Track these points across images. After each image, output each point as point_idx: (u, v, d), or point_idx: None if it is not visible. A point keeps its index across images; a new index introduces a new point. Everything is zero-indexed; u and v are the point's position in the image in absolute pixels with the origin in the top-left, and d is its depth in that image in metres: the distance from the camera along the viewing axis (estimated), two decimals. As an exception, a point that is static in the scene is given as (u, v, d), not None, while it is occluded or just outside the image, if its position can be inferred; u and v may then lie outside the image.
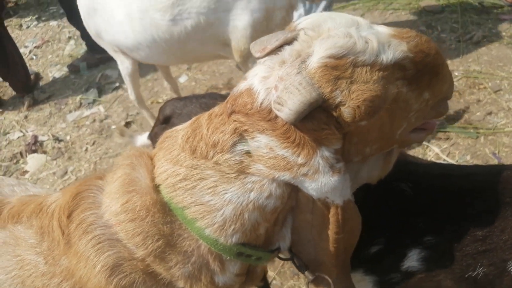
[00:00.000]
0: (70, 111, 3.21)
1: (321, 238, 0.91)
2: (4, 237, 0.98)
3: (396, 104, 0.83)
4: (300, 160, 0.79)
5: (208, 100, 1.52)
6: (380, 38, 0.80)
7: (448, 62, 3.00)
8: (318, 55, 0.76)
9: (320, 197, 0.83)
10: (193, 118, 0.94)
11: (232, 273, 0.94)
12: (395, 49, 0.79)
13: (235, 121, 0.82)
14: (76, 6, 2.24)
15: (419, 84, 0.84)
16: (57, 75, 3.62)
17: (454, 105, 2.69)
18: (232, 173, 0.83)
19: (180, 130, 0.94)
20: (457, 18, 3.34)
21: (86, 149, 2.88)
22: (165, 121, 1.57)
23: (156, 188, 0.89)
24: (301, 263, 0.97)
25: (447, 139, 2.51)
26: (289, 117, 0.75)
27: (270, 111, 0.79)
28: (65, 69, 3.66)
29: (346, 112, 0.77)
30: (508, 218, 0.99)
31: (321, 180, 0.80)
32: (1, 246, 0.98)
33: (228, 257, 0.90)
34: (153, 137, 1.59)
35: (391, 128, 0.87)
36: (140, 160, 0.94)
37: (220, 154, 0.83)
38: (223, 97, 1.52)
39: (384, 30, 0.83)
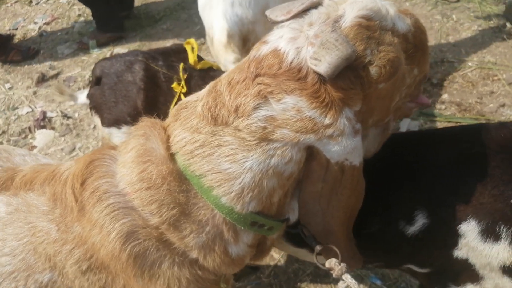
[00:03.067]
0: (79, 88, 3.20)
1: (330, 205, 0.91)
2: (16, 204, 0.98)
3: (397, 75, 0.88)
4: (327, 120, 0.80)
5: (131, 57, 1.56)
6: (394, 9, 0.87)
7: (463, 52, 2.95)
8: (352, 14, 0.81)
9: (340, 159, 0.84)
10: (208, 87, 0.93)
11: (245, 243, 0.94)
12: (404, 21, 0.88)
13: (260, 83, 0.82)
14: None
15: (412, 59, 0.92)
16: (66, 52, 3.60)
17: (467, 96, 2.66)
18: (253, 140, 0.82)
19: (196, 101, 0.93)
20: (473, 7, 3.28)
21: (95, 127, 2.88)
22: (97, 82, 1.61)
23: (172, 157, 0.89)
24: (309, 234, 0.97)
25: (459, 129, 2.49)
26: (327, 71, 0.77)
27: (300, 69, 0.80)
28: (74, 46, 3.64)
29: (373, 71, 0.81)
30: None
31: (345, 142, 0.82)
32: (13, 213, 0.98)
33: (242, 227, 0.90)
34: (90, 98, 1.64)
35: (390, 100, 0.92)
36: (154, 130, 0.93)
37: (241, 119, 0.82)
38: (144, 53, 1.55)
39: (391, 3, 0.89)
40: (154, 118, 0.99)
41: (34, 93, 3.27)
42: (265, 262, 1.98)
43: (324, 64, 0.77)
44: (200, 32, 3.54)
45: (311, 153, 0.85)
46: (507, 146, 0.98)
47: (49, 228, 0.95)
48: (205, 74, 1.51)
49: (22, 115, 3.07)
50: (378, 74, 0.81)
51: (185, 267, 0.93)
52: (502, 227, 0.93)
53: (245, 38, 1.87)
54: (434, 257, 1.07)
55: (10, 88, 3.37)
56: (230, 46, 1.78)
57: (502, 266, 0.96)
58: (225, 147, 0.84)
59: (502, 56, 2.88)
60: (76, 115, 2.98)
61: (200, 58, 1.55)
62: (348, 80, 0.80)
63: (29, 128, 2.93)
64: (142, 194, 0.87)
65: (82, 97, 1.74)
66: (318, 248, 0.96)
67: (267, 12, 0.90)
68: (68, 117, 2.98)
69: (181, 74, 1.48)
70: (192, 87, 1.48)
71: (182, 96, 1.45)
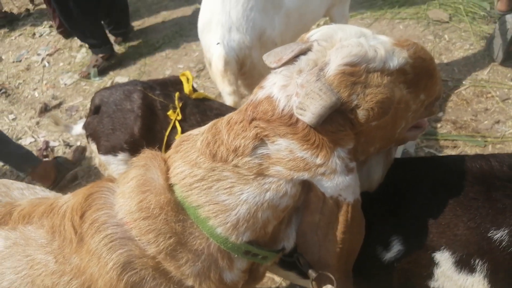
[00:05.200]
0: (81, 117, 3.26)
1: (327, 239, 0.94)
2: (15, 237, 1.01)
3: (398, 105, 0.90)
4: (319, 161, 0.84)
5: (130, 87, 1.59)
6: (386, 46, 0.87)
7: (456, 71, 3.00)
8: (336, 63, 0.83)
9: (334, 194, 0.88)
10: (210, 124, 0.97)
11: (239, 269, 0.97)
12: (399, 56, 0.87)
13: (256, 127, 0.87)
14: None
15: (417, 86, 0.92)
16: (68, 82, 3.68)
17: (462, 113, 2.69)
18: (250, 175, 0.87)
19: (197, 135, 0.97)
20: (465, 27, 3.35)
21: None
22: (95, 111, 1.63)
23: (170, 188, 0.93)
24: (305, 261, 0.99)
25: (455, 147, 2.51)
26: (311, 120, 0.81)
27: (291, 116, 0.85)
28: (76, 76, 3.73)
29: (361, 114, 0.84)
30: None
31: (337, 179, 0.86)
32: (12, 247, 1.00)
33: (236, 255, 0.92)
34: (86, 127, 1.65)
35: (393, 128, 0.94)
36: (154, 161, 0.97)
37: (240, 157, 0.87)
38: (143, 83, 1.60)
39: (386, 39, 0.90)
40: (155, 150, 1.02)
41: (37, 123, 3.34)
42: (267, 285, 1.98)
43: (308, 113, 0.81)
44: (198, 59, 3.62)
45: (308, 185, 0.89)
46: (483, 179, 0.99)
47: (47, 260, 0.97)
48: (200, 103, 1.56)
49: (25, 145, 3.12)
50: (367, 117, 0.84)
51: None
52: (477, 261, 0.94)
53: (241, 63, 1.93)
54: (409, 285, 1.08)
55: (13, 119, 3.44)
56: (226, 75, 1.83)
57: None
58: (224, 181, 0.88)
59: (495, 73, 2.92)
60: (78, 143, 3.03)
61: (194, 89, 1.60)
62: (336, 123, 0.84)
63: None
64: (140, 223, 0.90)
65: (78, 128, 1.77)
66: (313, 275, 0.98)
67: (264, 57, 0.94)
68: (70, 146, 3.03)
69: (176, 102, 1.53)
70: (187, 115, 1.52)
71: (177, 123, 1.49)
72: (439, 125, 2.65)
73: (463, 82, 2.90)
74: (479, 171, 1.00)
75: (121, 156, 1.55)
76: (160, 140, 1.50)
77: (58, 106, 3.46)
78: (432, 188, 1.03)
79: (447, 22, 3.43)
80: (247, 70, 1.89)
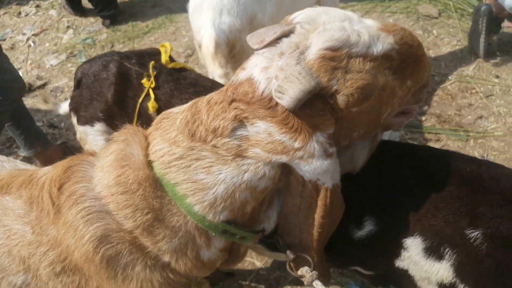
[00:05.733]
0: (66, 99, 3.21)
1: (307, 222, 0.94)
2: (-7, 206, 1.00)
3: (383, 91, 0.89)
4: (297, 144, 0.84)
5: (108, 57, 1.64)
6: (370, 31, 0.85)
7: (443, 66, 3.04)
8: (316, 47, 0.82)
9: (312, 178, 0.87)
10: (191, 103, 0.97)
11: (217, 248, 0.97)
12: (384, 41, 0.86)
13: (236, 108, 0.86)
14: None
15: (403, 73, 0.91)
16: (54, 62, 3.62)
17: (446, 108, 2.73)
18: (229, 156, 0.87)
19: (177, 113, 0.97)
20: (453, 23, 3.38)
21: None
22: (78, 85, 1.67)
23: (150, 164, 0.92)
24: (284, 243, 1.00)
25: (438, 140, 2.55)
26: (289, 104, 0.80)
27: (271, 99, 0.84)
28: (62, 57, 3.66)
29: (340, 99, 0.82)
30: None
31: (315, 163, 0.85)
32: (-11, 216, 0.99)
33: (214, 234, 0.92)
34: (70, 102, 1.71)
35: (377, 114, 0.93)
36: (135, 137, 0.96)
37: (219, 138, 0.86)
38: (120, 54, 1.63)
39: (372, 23, 0.89)
40: (136, 126, 1.01)
41: (21, 103, 3.28)
42: (247, 268, 2.00)
43: (286, 97, 0.80)
44: (188, 45, 3.59)
45: (289, 168, 0.89)
46: (471, 182, 1.00)
47: (24, 230, 0.96)
48: (175, 72, 1.58)
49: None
50: (346, 102, 0.82)
51: (157, 270, 0.95)
52: (447, 250, 0.97)
53: (231, 46, 1.93)
54: (378, 262, 1.12)
55: (-4, 98, 3.37)
56: (217, 57, 1.83)
57: (439, 283, 1.00)
58: (202, 160, 0.88)
59: (480, 70, 2.97)
60: (62, 124, 2.99)
61: (172, 60, 1.61)
62: (316, 108, 0.83)
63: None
64: (118, 198, 0.90)
65: (65, 106, 1.77)
66: (291, 256, 0.99)
67: (247, 37, 0.93)
68: (54, 127, 2.98)
69: (150, 70, 1.55)
70: (161, 83, 1.55)
71: (150, 91, 1.52)
72: (423, 118, 2.69)
73: (449, 77, 2.94)
74: (468, 174, 1.01)
75: (98, 126, 1.58)
76: (133, 107, 1.53)
77: (42, 86, 3.40)
78: (418, 177, 1.04)
79: (436, 17, 3.47)
80: (236, 53, 1.89)
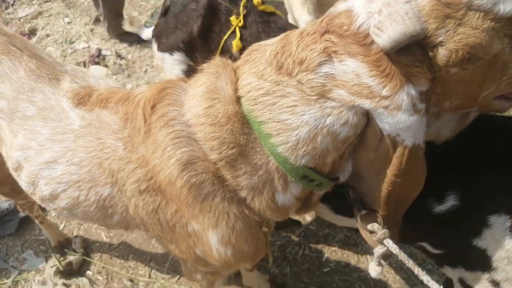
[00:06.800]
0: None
1: (378, 178, 0.91)
2: (90, 119, 1.04)
3: (494, 62, 0.79)
4: (385, 92, 0.78)
5: None
6: None
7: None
8: None
9: (392, 133, 0.82)
10: (283, 35, 0.93)
11: (293, 195, 0.97)
12: None
13: (327, 40, 0.81)
14: None
15: None
16: (126, -6, 3.65)
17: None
18: (312, 95, 0.83)
19: (268, 45, 0.94)
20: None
21: (146, 70, 2.95)
22: (165, 13, 1.67)
23: (238, 99, 0.92)
24: (355, 196, 0.98)
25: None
26: (385, 44, 0.74)
27: (367, 36, 0.77)
28: (134, -10, 3.68)
29: (442, 53, 0.74)
30: None
31: (399, 117, 0.79)
32: (86, 127, 1.04)
33: (293, 179, 0.92)
34: (154, 28, 1.72)
35: (478, 88, 0.84)
36: (225, 70, 0.95)
37: (305, 73, 0.83)
38: None
39: None
40: (226, 59, 1.01)
41: (91, 30, 3.36)
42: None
43: (384, 36, 0.73)
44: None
45: (368, 119, 0.84)
46: None
47: (117, 146, 1.00)
48: (265, 14, 1.55)
49: (78, 50, 3.17)
50: (447, 58, 0.74)
51: (234, 204, 0.97)
52: None
53: None
54: (452, 240, 1.07)
55: (69, 23, 3.48)
56: (306, 3, 1.77)
57: None
58: (287, 98, 0.85)
59: None
60: (130, 56, 3.06)
61: (263, 2, 1.58)
62: (413, 56, 0.76)
63: (84, 63, 3.03)
64: (206, 128, 0.91)
65: (148, 32, 1.79)
66: (363, 211, 0.97)
67: None
68: (122, 58, 3.06)
69: (241, 8, 1.52)
70: (249, 23, 1.52)
71: (237, 29, 1.50)
72: None
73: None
74: None
75: (176, 55, 1.59)
76: (216, 43, 1.52)
77: (113, 16, 3.46)
78: (511, 153, 0.98)
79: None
80: (324, 2, 1.82)
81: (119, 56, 3.07)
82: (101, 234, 2.11)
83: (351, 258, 1.89)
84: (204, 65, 1.01)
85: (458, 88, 0.82)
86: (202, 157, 0.92)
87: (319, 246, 1.92)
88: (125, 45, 3.17)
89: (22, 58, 1.13)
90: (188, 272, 1.29)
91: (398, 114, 0.78)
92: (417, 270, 0.89)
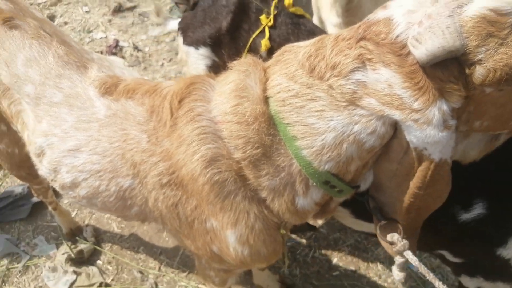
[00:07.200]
0: (152, 25, 3.27)
1: (400, 189, 0.90)
2: (116, 109, 1.04)
3: None
4: (416, 105, 0.77)
5: None
6: None
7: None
8: (480, 4, 0.71)
9: (419, 146, 0.81)
10: (317, 38, 0.93)
11: (313, 199, 0.96)
12: None
13: (362, 47, 0.80)
14: None
15: None
16: (145, -13, 3.66)
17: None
18: (342, 101, 0.82)
19: (301, 47, 0.93)
20: None
21: (162, 64, 2.95)
22: (193, 7, 1.67)
23: (266, 99, 0.91)
24: (374, 205, 0.97)
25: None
26: (422, 56, 0.73)
27: (404, 46, 0.76)
28: (153, -17, 3.68)
29: (479, 71, 0.73)
30: None
31: (429, 131, 0.78)
32: (111, 117, 1.04)
33: (314, 183, 0.92)
34: (181, 21, 1.72)
35: (511, 111, 0.81)
36: (255, 69, 0.95)
37: (336, 78, 0.82)
38: None
39: None
40: (257, 58, 1.00)
41: (109, 21, 3.37)
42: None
43: (422, 48, 0.72)
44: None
45: (395, 131, 0.84)
46: None
47: (141, 138, 1.00)
48: (295, 16, 1.54)
49: (95, 39, 3.18)
50: (484, 77, 0.72)
51: (255, 203, 0.96)
52: None
53: None
54: (475, 248, 1.05)
55: (87, 12, 3.49)
56: (335, 6, 1.76)
57: None
58: (316, 102, 0.85)
59: None
60: (147, 49, 3.06)
61: (294, 5, 1.57)
62: (449, 72, 0.74)
63: (101, 52, 3.04)
64: (232, 126, 0.90)
65: (174, 23, 1.80)
66: (383, 221, 0.96)
67: None
68: (139, 50, 3.06)
69: (272, 8, 1.52)
70: (279, 23, 1.51)
71: (266, 28, 1.49)
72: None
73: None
74: None
75: (202, 50, 1.59)
76: (244, 41, 1.51)
77: (131, 9, 3.47)
78: None
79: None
80: (353, 6, 1.81)
81: (136, 48, 3.08)
82: (112, 225, 2.12)
83: (361, 263, 1.88)
84: (234, 62, 1.01)
85: (491, 109, 0.81)
86: (226, 155, 0.92)
87: (329, 250, 1.92)
88: (142, 37, 3.18)
89: (51, 43, 1.13)
90: (201, 268, 1.29)
91: (428, 129, 0.78)
92: (438, 284, 0.88)
